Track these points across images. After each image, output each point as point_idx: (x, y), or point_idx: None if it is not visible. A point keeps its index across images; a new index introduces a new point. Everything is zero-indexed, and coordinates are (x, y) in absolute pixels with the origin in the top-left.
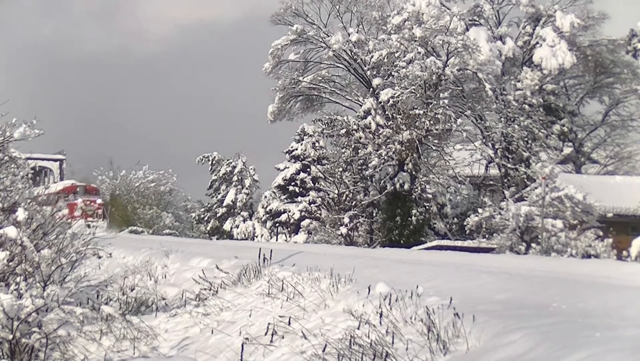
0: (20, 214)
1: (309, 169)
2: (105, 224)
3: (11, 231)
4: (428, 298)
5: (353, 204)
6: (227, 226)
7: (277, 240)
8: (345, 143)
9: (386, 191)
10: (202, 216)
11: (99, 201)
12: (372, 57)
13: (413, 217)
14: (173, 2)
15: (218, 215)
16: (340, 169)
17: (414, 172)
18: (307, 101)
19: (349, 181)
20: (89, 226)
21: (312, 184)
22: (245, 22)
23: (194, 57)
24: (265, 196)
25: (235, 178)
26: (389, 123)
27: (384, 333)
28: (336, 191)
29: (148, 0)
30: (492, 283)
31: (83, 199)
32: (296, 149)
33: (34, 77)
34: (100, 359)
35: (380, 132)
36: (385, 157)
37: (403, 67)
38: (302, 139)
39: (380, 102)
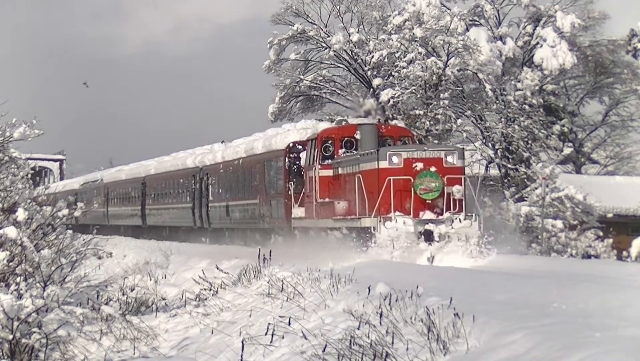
0: (20, 214)
1: None
2: (476, 226)
3: (11, 231)
4: (428, 298)
5: None
6: None
7: None
8: None
9: None
10: None
11: (457, 162)
12: (372, 57)
13: None
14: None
15: None
16: None
17: None
18: (307, 101)
19: None
20: (427, 236)
21: None
22: (250, 23)
23: (206, 58)
24: None
25: None
26: None
27: (384, 333)
28: None
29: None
30: (492, 283)
31: (409, 157)
32: None
33: (39, 78)
34: (100, 359)
35: None
36: None
37: (403, 68)
38: None
39: (381, 103)
